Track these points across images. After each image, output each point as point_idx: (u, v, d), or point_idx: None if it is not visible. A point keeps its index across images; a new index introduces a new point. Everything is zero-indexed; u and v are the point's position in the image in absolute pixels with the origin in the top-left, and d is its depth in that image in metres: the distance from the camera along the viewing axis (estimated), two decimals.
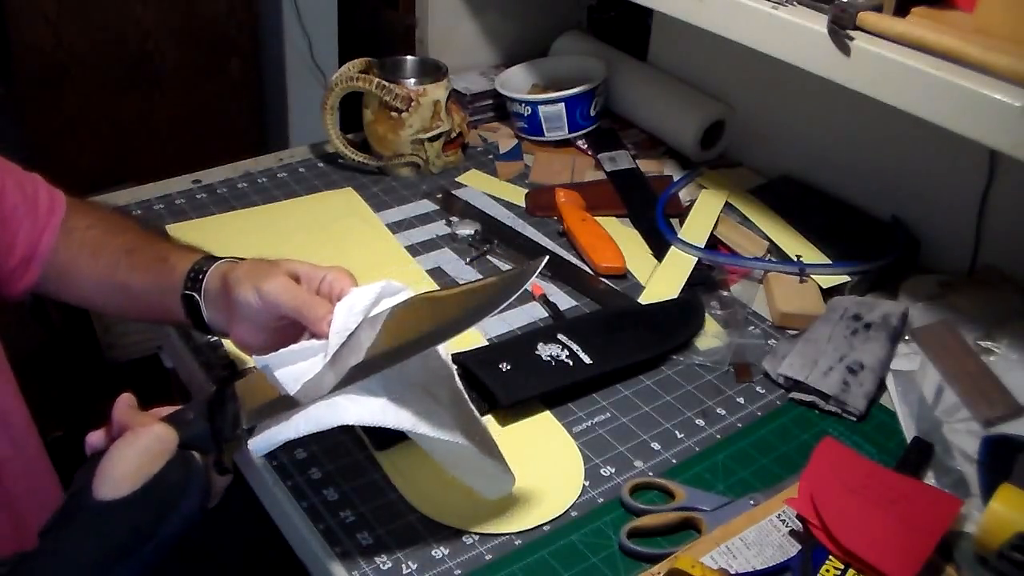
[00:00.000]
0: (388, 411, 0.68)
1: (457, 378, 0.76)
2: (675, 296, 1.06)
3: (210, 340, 0.98)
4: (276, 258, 0.77)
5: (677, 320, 1.02)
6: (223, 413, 0.69)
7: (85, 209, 0.89)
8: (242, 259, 0.81)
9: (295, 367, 0.70)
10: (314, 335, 0.71)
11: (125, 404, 0.68)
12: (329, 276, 0.74)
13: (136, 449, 0.64)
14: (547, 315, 1.04)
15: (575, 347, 0.94)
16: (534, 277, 0.69)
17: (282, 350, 0.70)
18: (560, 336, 0.95)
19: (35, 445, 0.88)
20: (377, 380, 0.68)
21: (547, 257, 0.71)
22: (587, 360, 0.93)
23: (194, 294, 0.79)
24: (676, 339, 0.99)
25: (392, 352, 0.67)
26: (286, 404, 0.69)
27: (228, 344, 0.96)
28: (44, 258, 0.85)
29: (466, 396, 0.76)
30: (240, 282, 0.74)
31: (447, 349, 0.75)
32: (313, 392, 0.68)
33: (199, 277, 0.79)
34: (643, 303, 1.05)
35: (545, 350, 0.93)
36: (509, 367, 0.90)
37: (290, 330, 0.74)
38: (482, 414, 0.89)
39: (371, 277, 0.90)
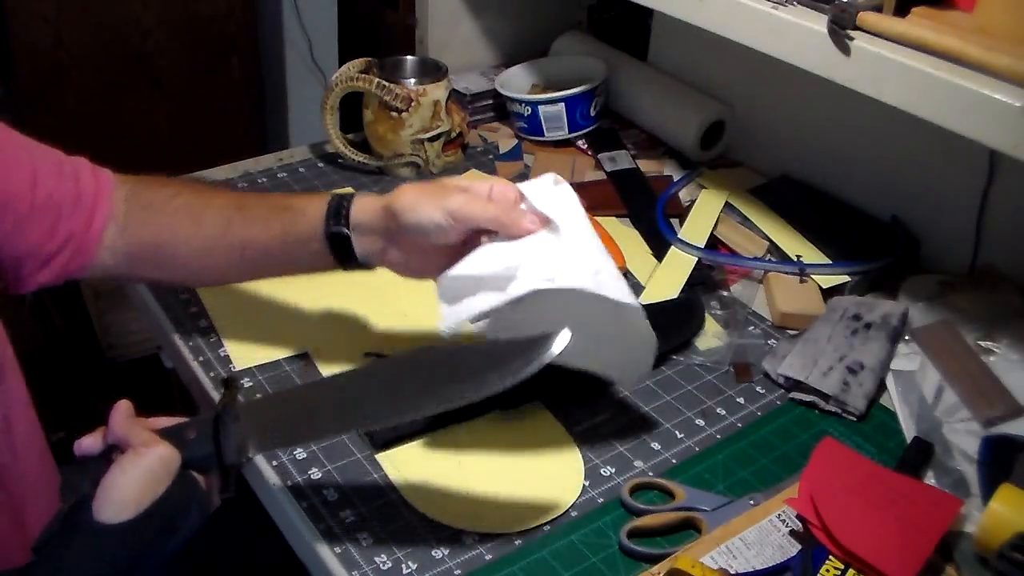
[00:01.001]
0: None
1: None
2: (675, 296, 1.06)
3: (210, 339, 0.98)
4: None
5: (677, 320, 1.02)
6: (227, 436, 0.68)
7: (159, 182, 0.86)
8: (374, 193, 0.82)
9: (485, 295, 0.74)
10: (511, 237, 0.75)
11: (123, 414, 0.67)
12: (496, 188, 0.77)
13: (139, 472, 0.63)
14: None
15: None
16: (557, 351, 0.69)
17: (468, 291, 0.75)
18: None
19: (39, 450, 0.88)
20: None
21: (569, 335, 0.70)
22: None
23: (341, 229, 0.79)
24: (676, 339, 0.99)
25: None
26: (297, 426, 0.69)
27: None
28: (99, 242, 0.82)
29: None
30: (416, 206, 0.76)
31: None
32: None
33: (342, 213, 0.79)
34: (643, 303, 1.05)
35: None
36: None
37: (459, 250, 0.76)
38: (482, 414, 0.89)
39: (371, 277, 0.90)
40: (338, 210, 0.80)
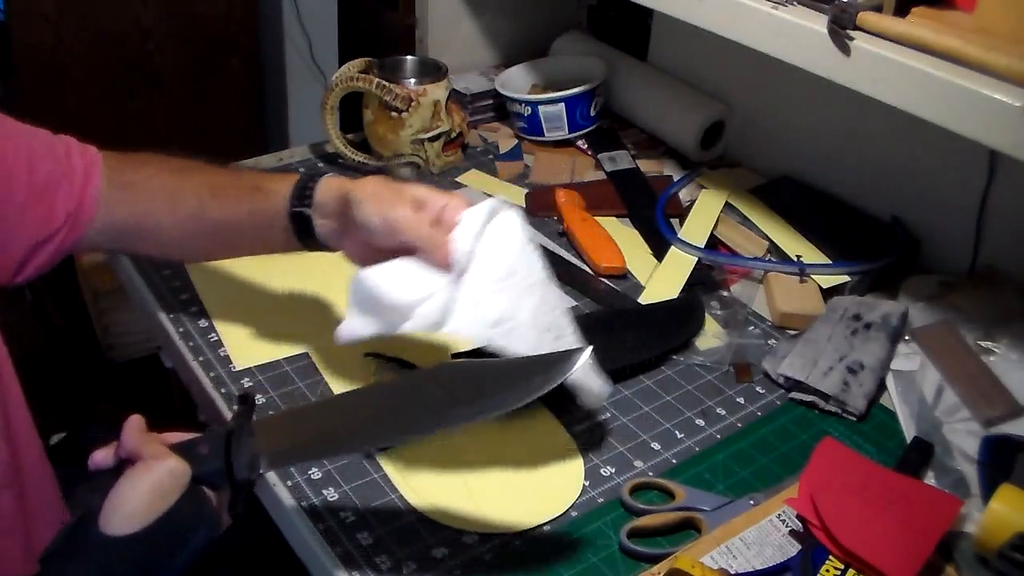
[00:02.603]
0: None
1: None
2: (675, 296, 1.06)
3: (210, 339, 0.98)
4: (398, 181, 0.80)
5: (677, 320, 1.02)
6: (239, 452, 0.67)
7: (140, 160, 0.88)
8: (345, 177, 0.83)
9: (407, 286, 0.75)
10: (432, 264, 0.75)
11: (135, 428, 0.66)
12: (451, 204, 0.77)
13: (148, 484, 0.62)
14: None
15: None
16: (577, 366, 0.69)
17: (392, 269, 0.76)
18: None
19: (37, 449, 0.87)
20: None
21: (590, 349, 0.71)
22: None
23: (303, 210, 0.81)
24: (676, 339, 0.99)
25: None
26: (310, 444, 0.69)
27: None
28: (90, 217, 0.84)
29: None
30: (363, 203, 0.77)
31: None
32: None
33: (306, 193, 0.81)
34: (643, 303, 1.05)
35: None
36: None
37: (404, 252, 0.77)
38: None
39: None
40: (303, 190, 0.82)
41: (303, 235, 0.83)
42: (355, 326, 0.78)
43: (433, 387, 0.71)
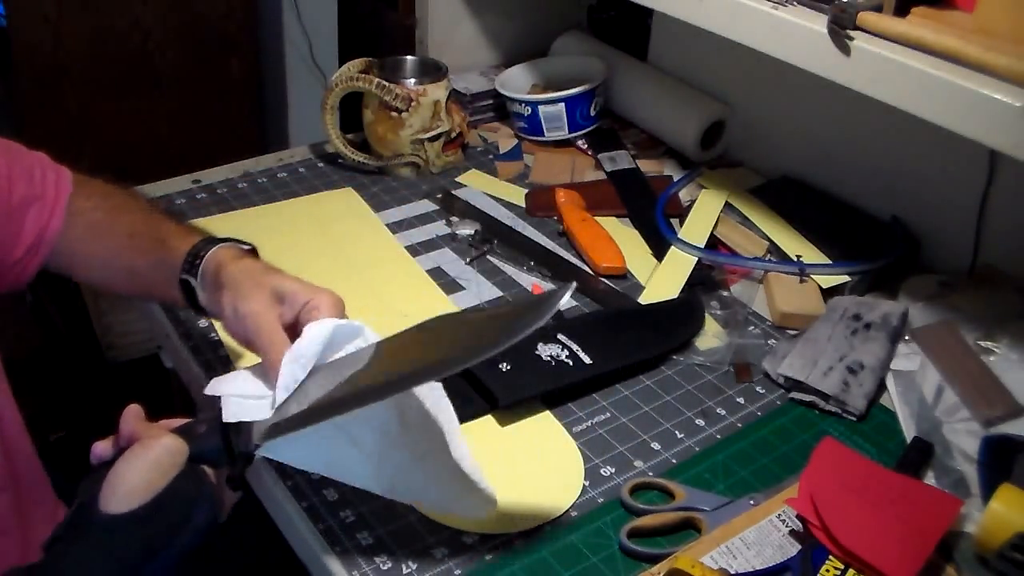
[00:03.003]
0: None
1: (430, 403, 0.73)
2: (675, 296, 1.06)
3: (210, 339, 0.98)
4: (273, 268, 0.77)
5: (677, 320, 1.02)
6: (236, 427, 0.67)
7: (89, 189, 0.89)
8: (246, 245, 0.81)
9: (245, 402, 0.69)
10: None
11: (133, 415, 0.67)
12: (313, 302, 0.72)
13: (145, 462, 0.63)
14: None
15: (575, 347, 0.94)
16: (563, 301, 0.66)
17: (235, 377, 0.71)
18: (560, 336, 0.95)
19: (29, 451, 0.87)
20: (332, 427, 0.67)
21: (574, 284, 0.69)
22: (587, 360, 0.93)
23: (190, 278, 0.79)
24: (676, 339, 0.99)
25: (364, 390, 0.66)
26: (307, 410, 0.68)
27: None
28: (52, 241, 0.85)
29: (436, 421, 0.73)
30: (226, 287, 0.75)
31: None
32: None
33: (196, 261, 0.79)
34: (643, 303, 1.05)
35: (545, 350, 0.93)
36: (509, 367, 0.90)
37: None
38: (482, 414, 0.89)
39: (371, 277, 0.89)
40: (194, 257, 0.79)
41: (191, 302, 0.81)
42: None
43: (427, 338, 0.70)
